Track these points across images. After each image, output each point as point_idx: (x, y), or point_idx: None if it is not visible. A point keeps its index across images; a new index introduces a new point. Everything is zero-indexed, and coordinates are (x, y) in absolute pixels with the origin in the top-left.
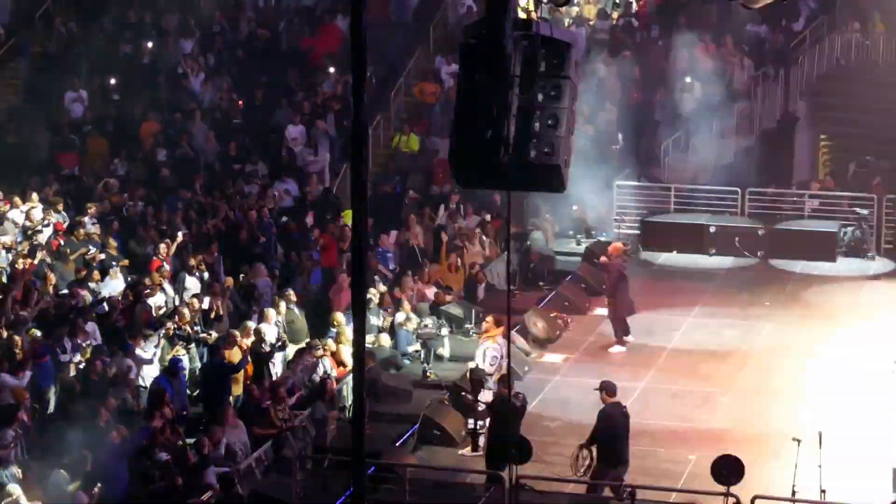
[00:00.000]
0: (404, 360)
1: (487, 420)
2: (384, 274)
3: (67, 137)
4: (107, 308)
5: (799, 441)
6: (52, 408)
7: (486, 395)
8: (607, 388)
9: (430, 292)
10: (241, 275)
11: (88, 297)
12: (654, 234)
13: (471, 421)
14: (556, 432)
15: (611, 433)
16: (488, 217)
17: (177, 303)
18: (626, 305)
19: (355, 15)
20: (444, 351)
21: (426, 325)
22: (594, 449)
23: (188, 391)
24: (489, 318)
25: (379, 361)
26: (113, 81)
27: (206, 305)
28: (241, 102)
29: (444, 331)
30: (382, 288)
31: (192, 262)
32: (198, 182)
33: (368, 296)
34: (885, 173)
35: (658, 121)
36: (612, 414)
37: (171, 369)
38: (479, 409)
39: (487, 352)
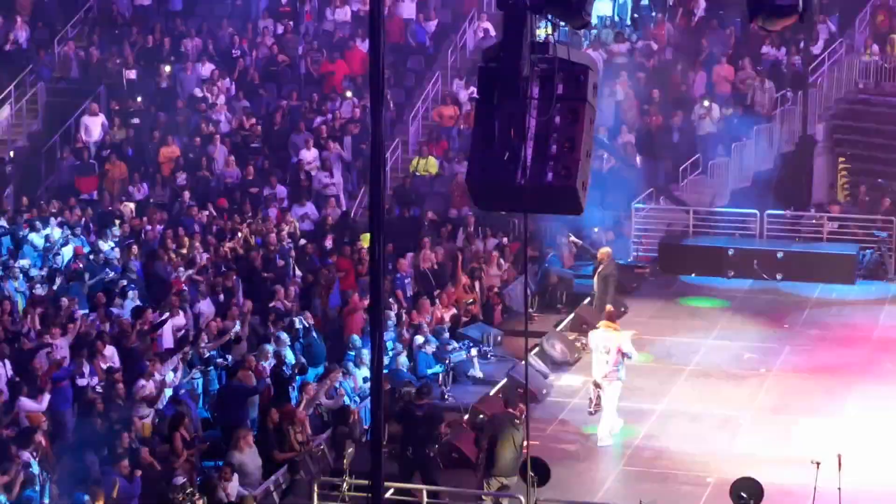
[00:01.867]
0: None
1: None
2: (399, 300)
3: (87, 162)
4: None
5: (818, 464)
6: (71, 432)
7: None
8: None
9: (448, 315)
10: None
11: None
12: (672, 257)
13: None
14: (574, 455)
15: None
16: (505, 240)
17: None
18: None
19: (374, 39)
20: (476, 372)
21: (454, 348)
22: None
23: (207, 414)
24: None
25: (396, 385)
26: (132, 107)
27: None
28: (259, 127)
29: (474, 351)
30: (395, 313)
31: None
32: (217, 205)
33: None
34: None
35: (676, 143)
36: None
37: (176, 398)
38: None
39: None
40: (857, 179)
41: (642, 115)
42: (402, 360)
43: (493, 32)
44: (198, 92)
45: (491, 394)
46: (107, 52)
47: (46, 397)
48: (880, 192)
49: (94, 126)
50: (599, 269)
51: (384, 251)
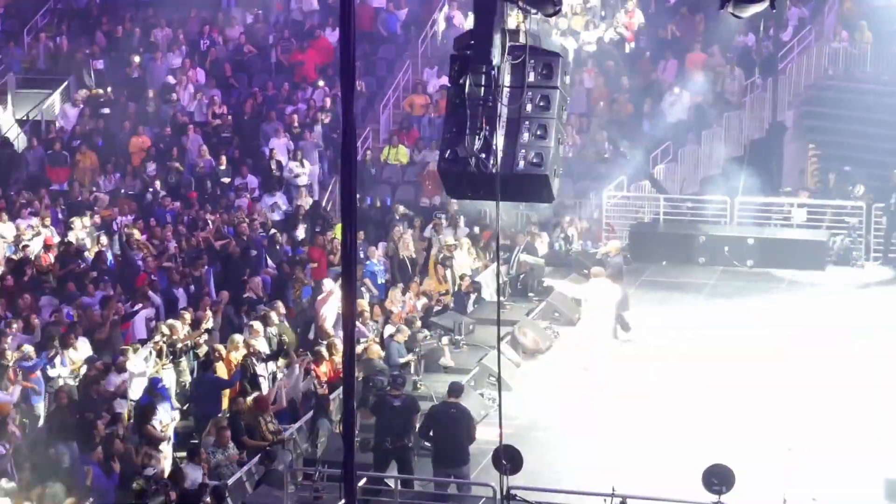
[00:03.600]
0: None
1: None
2: (371, 290)
3: (57, 152)
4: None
5: (790, 449)
6: (41, 422)
7: None
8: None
9: (420, 304)
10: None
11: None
12: (643, 244)
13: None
14: (546, 443)
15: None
16: (477, 228)
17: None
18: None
19: (345, 28)
20: (447, 361)
21: (425, 337)
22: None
23: (178, 405)
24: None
25: (368, 373)
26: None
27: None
28: (229, 117)
29: (445, 340)
30: (368, 302)
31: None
32: (188, 196)
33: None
34: (867, 181)
35: (647, 131)
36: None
37: (152, 390)
38: None
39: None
40: (827, 166)
41: (612, 102)
42: (375, 348)
43: (464, 21)
44: (169, 80)
45: (463, 382)
46: (76, 42)
47: (17, 389)
48: (848, 180)
49: (63, 117)
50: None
51: (356, 240)
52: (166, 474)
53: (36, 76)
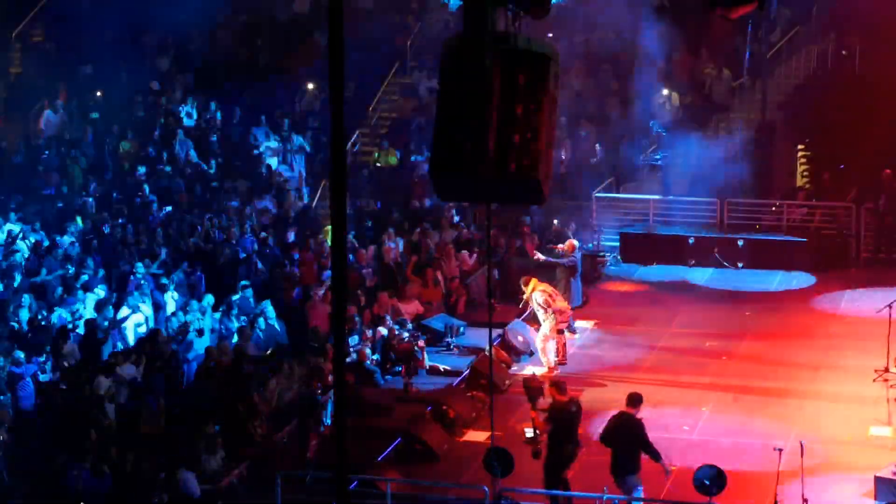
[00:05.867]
0: (386, 375)
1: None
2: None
3: (47, 157)
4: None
5: (780, 450)
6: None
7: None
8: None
9: (410, 308)
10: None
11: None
12: (633, 246)
13: (529, 430)
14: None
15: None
16: (466, 231)
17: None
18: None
19: (333, 31)
20: (425, 363)
21: (403, 339)
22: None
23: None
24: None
25: (360, 376)
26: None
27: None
28: (219, 121)
29: (421, 342)
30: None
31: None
32: (177, 200)
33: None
34: (859, 182)
35: (636, 133)
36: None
37: (148, 386)
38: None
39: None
40: (817, 167)
41: (601, 104)
42: (367, 352)
43: (453, 23)
44: (157, 85)
45: (454, 385)
46: (65, 46)
47: (7, 394)
48: (845, 179)
49: (54, 121)
50: (565, 261)
51: (345, 244)
52: None
53: (25, 81)
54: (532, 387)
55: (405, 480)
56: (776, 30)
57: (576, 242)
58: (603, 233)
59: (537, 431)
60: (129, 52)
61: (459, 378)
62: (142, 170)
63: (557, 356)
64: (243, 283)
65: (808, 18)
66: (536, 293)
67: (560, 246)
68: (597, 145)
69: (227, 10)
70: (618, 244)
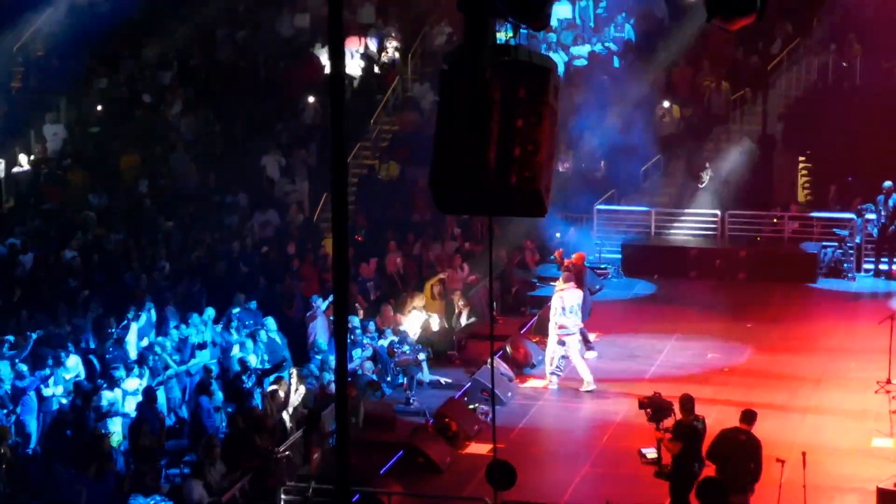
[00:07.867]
0: (387, 388)
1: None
2: (362, 305)
3: (48, 171)
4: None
5: (783, 462)
6: (34, 442)
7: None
8: (745, 417)
9: (413, 321)
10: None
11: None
12: (634, 258)
13: (650, 450)
14: (539, 457)
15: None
16: (467, 244)
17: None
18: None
19: (334, 44)
20: (424, 377)
21: (404, 352)
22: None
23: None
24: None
25: (361, 389)
26: (92, 114)
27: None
28: (220, 134)
29: (422, 356)
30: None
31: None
32: (179, 214)
33: (350, 325)
34: (865, 194)
35: (637, 145)
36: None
37: (148, 397)
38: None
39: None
40: (818, 179)
41: (602, 117)
42: (368, 364)
43: (454, 36)
44: (148, 98)
45: (456, 398)
46: (66, 60)
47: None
48: (851, 192)
49: (55, 134)
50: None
51: (347, 257)
52: None
53: (27, 95)
54: (661, 407)
55: (407, 493)
56: (777, 42)
57: (583, 254)
58: (604, 245)
59: (660, 453)
60: (131, 66)
61: (461, 391)
62: (144, 183)
63: (551, 366)
64: (244, 296)
65: (809, 30)
66: (555, 296)
67: (568, 260)
68: (597, 157)
69: (228, 25)
70: (619, 256)
